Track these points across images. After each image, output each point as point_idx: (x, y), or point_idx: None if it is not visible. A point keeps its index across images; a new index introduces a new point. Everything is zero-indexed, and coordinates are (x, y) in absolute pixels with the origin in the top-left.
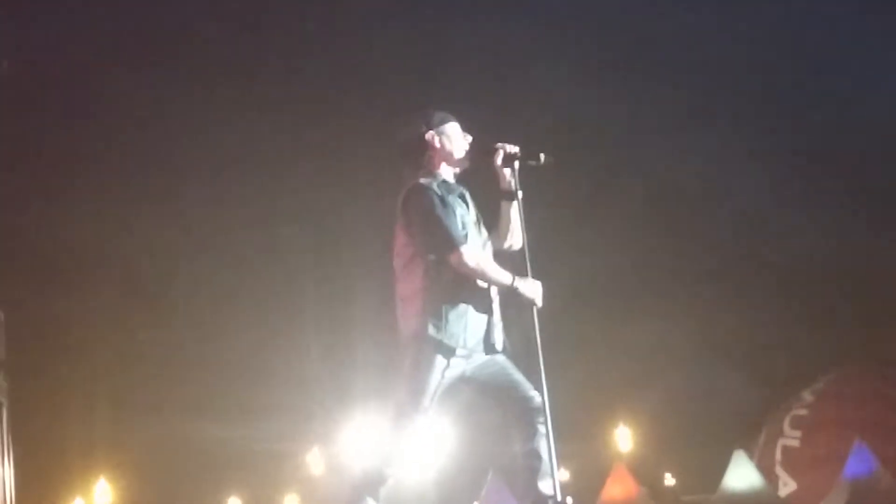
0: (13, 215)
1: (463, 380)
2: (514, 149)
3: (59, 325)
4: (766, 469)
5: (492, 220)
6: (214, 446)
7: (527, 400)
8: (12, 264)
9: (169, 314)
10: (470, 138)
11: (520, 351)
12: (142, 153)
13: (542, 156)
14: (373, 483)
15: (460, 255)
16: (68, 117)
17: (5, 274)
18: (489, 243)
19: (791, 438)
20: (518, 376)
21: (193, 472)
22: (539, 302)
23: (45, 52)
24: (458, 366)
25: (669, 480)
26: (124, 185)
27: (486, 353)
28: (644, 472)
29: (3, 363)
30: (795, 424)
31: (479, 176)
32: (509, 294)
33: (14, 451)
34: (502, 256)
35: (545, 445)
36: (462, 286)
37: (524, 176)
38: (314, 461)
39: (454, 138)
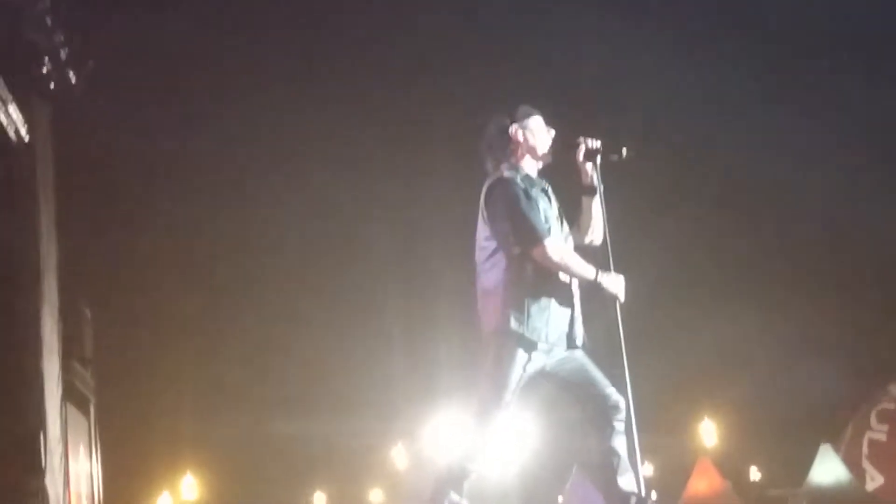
0: (100, 214)
1: (543, 375)
2: (595, 143)
3: (146, 322)
4: (852, 463)
5: (574, 214)
6: (300, 442)
7: (604, 397)
8: (100, 262)
9: (255, 312)
10: (553, 133)
11: (602, 345)
12: (224, 152)
13: (623, 150)
14: (456, 478)
15: (544, 248)
16: (152, 119)
17: (93, 272)
18: (571, 238)
19: (878, 432)
20: (597, 373)
21: (279, 467)
22: (622, 296)
23: (129, 53)
24: (539, 360)
25: (755, 474)
26: (210, 184)
27: (567, 349)
28: (729, 466)
29: (91, 360)
30: (883, 418)
31: (561, 170)
32: (592, 288)
33: (101, 447)
34: (584, 251)
35: (623, 442)
36: (545, 280)
37: (606, 170)
38: (398, 456)
39: (538, 132)
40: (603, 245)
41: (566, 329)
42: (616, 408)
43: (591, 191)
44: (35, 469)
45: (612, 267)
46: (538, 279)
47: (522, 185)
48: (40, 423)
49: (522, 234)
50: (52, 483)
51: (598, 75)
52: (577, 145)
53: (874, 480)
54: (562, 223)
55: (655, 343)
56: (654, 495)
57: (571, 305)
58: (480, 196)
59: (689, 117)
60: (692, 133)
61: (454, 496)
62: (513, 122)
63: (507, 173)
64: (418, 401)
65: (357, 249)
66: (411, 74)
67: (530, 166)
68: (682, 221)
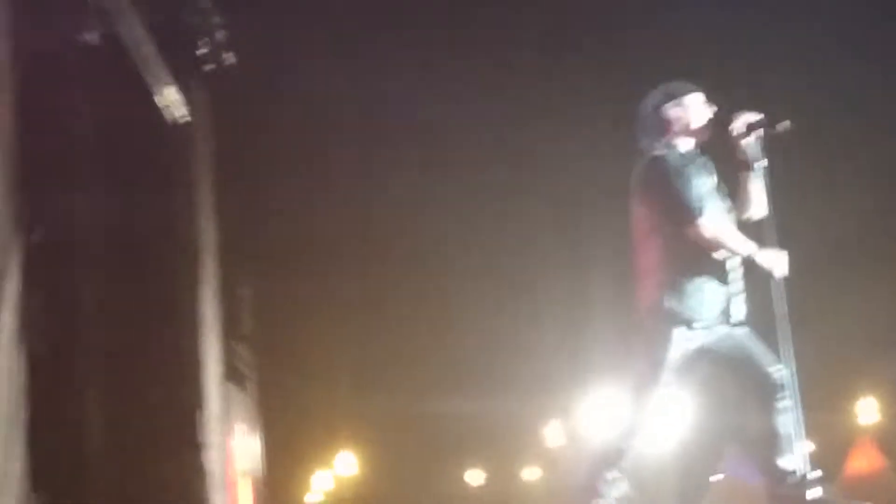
0: (259, 194)
1: (701, 353)
2: (755, 117)
3: (304, 301)
4: None
5: (734, 190)
6: (454, 419)
7: (765, 375)
8: (258, 242)
9: (411, 290)
10: (711, 108)
11: (762, 322)
12: (386, 130)
13: (783, 123)
14: (613, 456)
15: (698, 226)
16: (312, 98)
17: (251, 252)
18: (731, 214)
19: None
20: (757, 350)
21: (434, 444)
22: (784, 272)
23: (287, 32)
24: (697, 338)
25: None
26: (366, 165)
27: (726, 326)
28: (890, 445)
29: (250, 339)
30: None
31: (722, 145)
32: (751, 265)
33: (260, 424)
34: (747, 227)
35: (783, 421)
36: (700, 258)
37: (766, 144)
38: (554, 434)
39: (694, 109)
40: (766, 220)
41: (725, 306)
42: (777, 385)
43: (751, 166)
44: (194, 445)
45: (774, 242)
46: (694, 257)
47: (677, 163)
48: (199, 400)
49: (676, 213)
50: (212, 459)
51: (759, 49)
52: (737, 120)
53: None
54: (721, 199)
55: (819, 319)
56: (816, 473)
57: (730, 282)
58: (635, 174)
59: (853, 89)
60: (856, 105)
61: (611, 474)
62: (668, 98)
63: (661, 151)
64: (574, 378)
65: (514, 226)
66: (567, 49)
67: (686, 143)
68: (846, 192)
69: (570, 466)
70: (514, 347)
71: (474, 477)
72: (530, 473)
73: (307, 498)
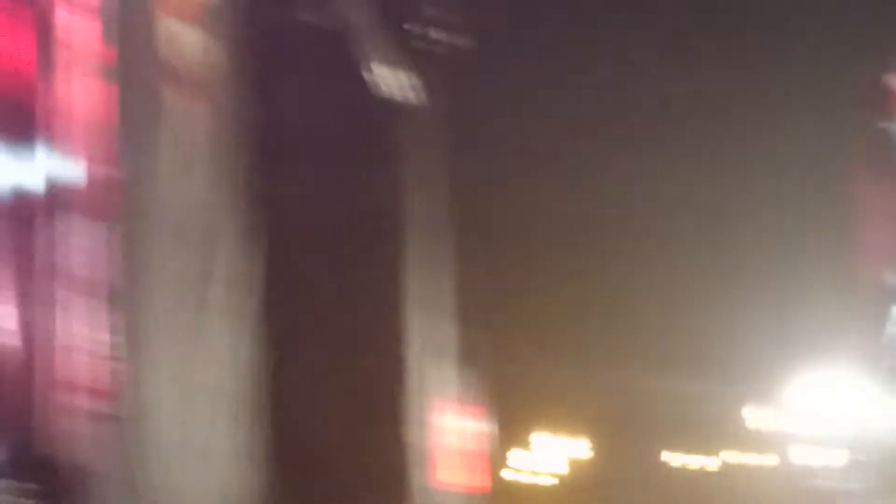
0: (483, 172)
1: None
2: None
3: (520, 277)
4: None
5: None
6: (656, 399)
7: None
8: (488, 221)
9: (622, 270)
10: None
11: None
12: (598, 113)
13: None
14: (844, 439)
15: None
16: (541, 79)
17: (472, 230)
18: None
19: None
20: None
21: (631, 423)
22: None
23: (522, 13)
24: None
25: None
26: (584, 144)
27: None
28: None
29: (465, 316)
30: None
31: None
32: None
33: (476, 403)
34: None
35: None
36: None
37: None
38: (762, 417)
39: None
40: None
41: None
42: None
43: None
44: (398, 423)
45: None
46: None
47: None
48: (406, 378)
49: (894, 188)
50: (417, 437)
51: None
52: None
53: None
54: None
55: None
56: None
57: None
58: (856, 149)
59: None
60: None
61: (840, 458)
62: (892, 71)
63: (885, 125)
64: (785, 360)
65: (723, 203)
66: (781, 23)
67: None
68: None
69: (785, 450)
70: (725, 328)
71: (680, 459)
72: (736, 456)
73: (515, 476)
